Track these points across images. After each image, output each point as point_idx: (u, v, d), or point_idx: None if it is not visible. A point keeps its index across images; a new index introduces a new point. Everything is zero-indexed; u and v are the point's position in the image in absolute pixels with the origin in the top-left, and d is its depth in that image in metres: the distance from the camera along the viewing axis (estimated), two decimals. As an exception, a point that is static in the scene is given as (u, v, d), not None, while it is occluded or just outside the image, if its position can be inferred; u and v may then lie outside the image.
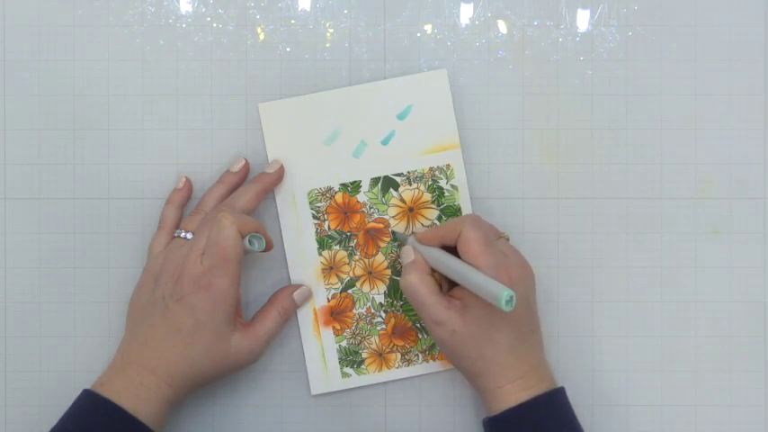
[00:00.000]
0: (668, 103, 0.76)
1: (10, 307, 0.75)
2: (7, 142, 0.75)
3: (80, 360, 0.75)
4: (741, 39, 0.76)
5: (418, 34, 0.76)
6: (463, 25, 0.76)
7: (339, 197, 0.75)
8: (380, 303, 0.75)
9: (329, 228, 0.75)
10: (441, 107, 0.75)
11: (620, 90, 0.76)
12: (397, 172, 0.75)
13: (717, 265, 0.76)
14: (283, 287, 0.74)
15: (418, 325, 0.75)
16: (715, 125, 0.76)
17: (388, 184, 0.75)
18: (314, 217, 0.74)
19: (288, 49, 0.76)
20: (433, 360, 0.75)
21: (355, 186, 0.75)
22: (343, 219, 0.75)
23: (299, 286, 0.74)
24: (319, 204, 0.74)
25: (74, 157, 0.75)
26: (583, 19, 0.76)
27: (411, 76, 0.75)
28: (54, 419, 0.68)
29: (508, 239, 0.72)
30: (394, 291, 0.75)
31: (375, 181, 0.75)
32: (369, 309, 0.75)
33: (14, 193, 0.75)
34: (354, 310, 0.75)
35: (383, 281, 0.75)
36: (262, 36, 0.76)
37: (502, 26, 0.76)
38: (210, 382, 0.71)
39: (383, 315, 0.75)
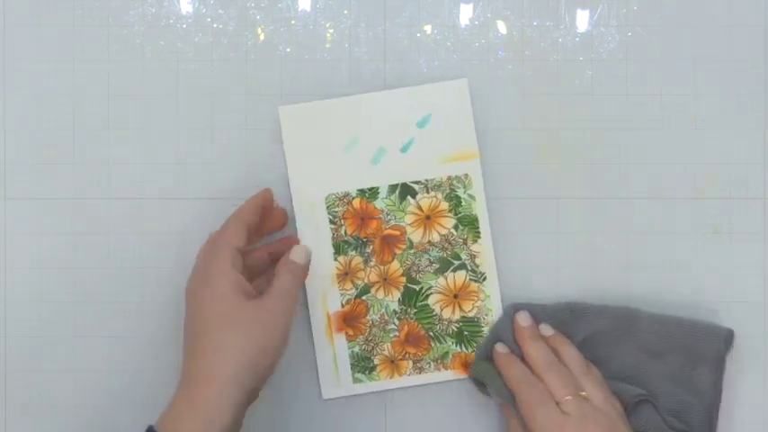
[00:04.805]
0: (668, 103, 0.76)
1: (10, 307, 0.75)
2: (7, 142, 0.75)
3: (80, 360, 0.75)
4: (741, 39, 0.76)
5: (418, 34, 0.76)
6: (463, 26, 0.76)
7: (356, 203, 0.74)
8: (394, 310, 0.75)
9: (345, 233, 0.74)
10: (460, 116, 0.74)
11: (620, 90, 0.76)
12: (415, 180, 0.75)
13: (717, 265, 0.76)
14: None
15: (431, 333, 0.75)
16: (715, 125, 0.76)
17: (405, 191, 0.75)
18: (331, 222, 0.74)
19: (288, 50, 0.76)
20: (445, 369, 0.75)
21: (373, 193, 0.75)
22: (359, 224, 0.74)
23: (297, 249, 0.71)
24: (336, 209, 0.74)
25: (74, 157, 0.75)
26: (582, 19, 0.76)
27: (431, 84, 0.75)
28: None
29: (586, 399, 0.69)
30: (408, 298, 0.75)
31: (393, 188, 0.75)
32: (382, 315, 0.75)
33: (14, 193, 0.75)
34: (368, 317, 0.75)
35: (398, 288, 0.75)
36: (262, 36, 0.76)
37: (501, 26, 0.76)
38: (263, 372, 0.67)
39: (396, 322, 0.75)
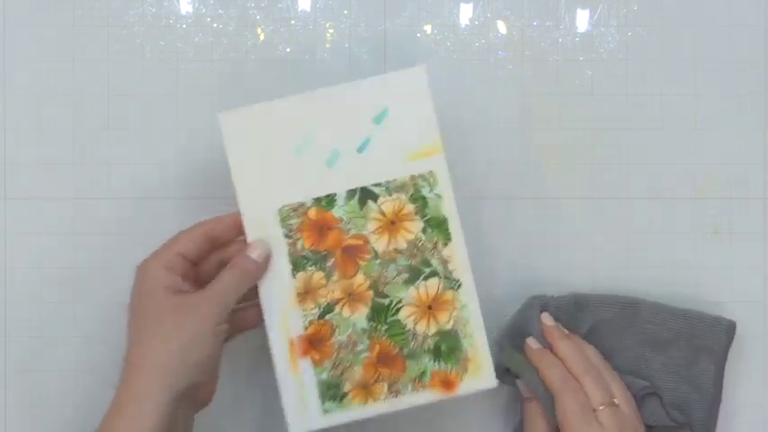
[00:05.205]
0: (668, 103, 0.76)
1: (10, 307, 0.75)
2: (7, 142, 0.75)
3: (80, 360, 0.75)
4: (741, 39, 0.76)
5: (418, 34, 0.76)
6: (463, 25, 0.76)
7: (313, 213, 0.67)
8: (363, 329, 0.67)
9: (303, 247, 0.67)
10: (420, 108, 0.67)
11: (620, 90, 0.76)
12: (375, 182, 0.67)
13: (717, 265, 0.76)
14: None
15: (406, 351, 0.67)
16: (715, 125, 0.76)
17: (365, 195, 0.67)
18: (286, 236, 0.67)
19: (288, 50, 0.76)
20: (423, 389, 0.67)
21: (330, 200, 0.67)
22: (317, 236, 0.67)
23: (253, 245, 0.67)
24: (291, 222, 0.67)
25: (74, 157, 0.75)
26: (582, 19, 0.76)
27: (386, 75, 0.68)
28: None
29: (618, 406, 0.68)
30: (377, 313, 0.67)
31: (351, 193, 0.67)
32: (350, 335, 0.67)
33: (14, 193, 0.75)
34: (334, 338, 0.67)
35: (365, 303, 0.67)
36: (262, 36, 0.76)
37: (501, 26, 0.76)
38: (192, 369, 0.65)
39: (366, 341, 0.67)
